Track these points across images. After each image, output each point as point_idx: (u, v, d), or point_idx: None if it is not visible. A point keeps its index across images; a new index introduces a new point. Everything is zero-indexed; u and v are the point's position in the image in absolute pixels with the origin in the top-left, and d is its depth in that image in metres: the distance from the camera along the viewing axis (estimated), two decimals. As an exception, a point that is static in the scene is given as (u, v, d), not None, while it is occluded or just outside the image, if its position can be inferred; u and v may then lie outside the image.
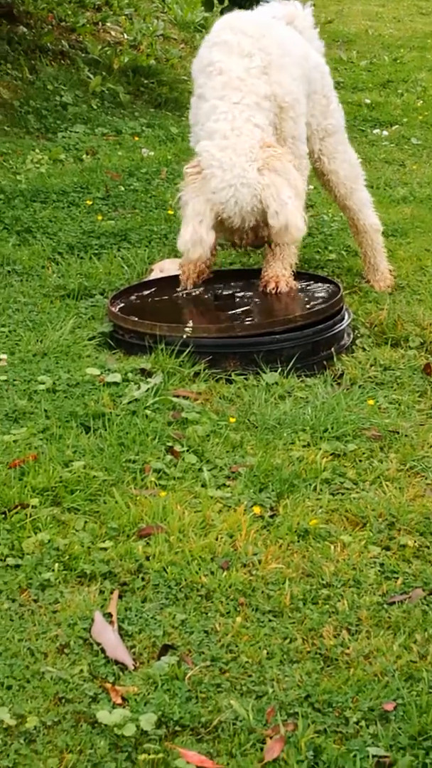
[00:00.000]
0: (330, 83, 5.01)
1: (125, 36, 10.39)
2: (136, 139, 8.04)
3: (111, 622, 2.69)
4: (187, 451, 3.53)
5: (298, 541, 3.08)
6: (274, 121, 4.37)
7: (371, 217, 5.18)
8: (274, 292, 4.60)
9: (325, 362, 4.30)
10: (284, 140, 4.46)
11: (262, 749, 2.31)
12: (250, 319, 4.40)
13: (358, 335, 4.61)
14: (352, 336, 4.56)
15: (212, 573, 2.90)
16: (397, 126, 9.28)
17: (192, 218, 4.23)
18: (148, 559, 2.95)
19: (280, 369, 4.15)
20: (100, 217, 5.94)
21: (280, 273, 4.62)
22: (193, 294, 4.65)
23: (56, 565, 2.90)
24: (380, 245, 5.21)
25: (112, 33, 10.41)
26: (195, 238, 4.24)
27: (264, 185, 4.15)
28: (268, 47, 4.36)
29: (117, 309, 4.51)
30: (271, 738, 2.34)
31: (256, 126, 4.22)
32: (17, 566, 2.91)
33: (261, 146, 4.18)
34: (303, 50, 4.75)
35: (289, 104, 4.41)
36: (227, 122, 4.20)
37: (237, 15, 4.57)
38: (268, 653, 2.62)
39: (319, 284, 4.79)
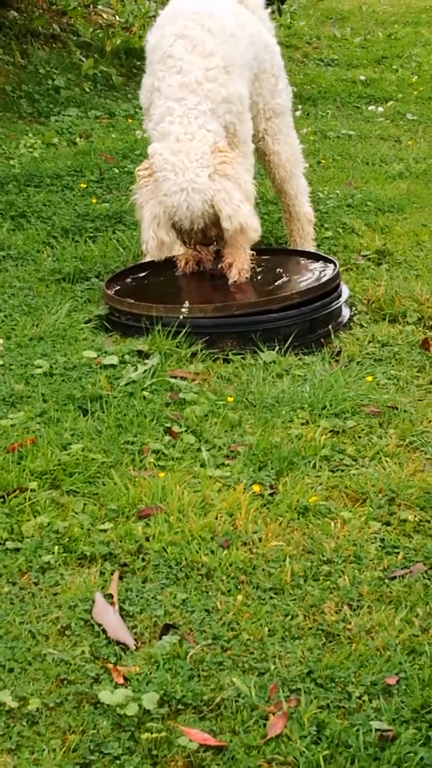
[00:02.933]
0: (280, 63, 5.01)
1: (117, 18, 10.35)
2: (130, 121, 8.01)
3: (112, 603, 2.68)
4: (186, 431, 3.52)
5: (298, 519, 3.07)
6: (229, 123, 4.39)
7: (306, 205, 5.21)
8: (236, 279, 4.54)
9: (322, 340, 4.29)
10: (238, 139, 4.48)
11: (265, 725, 2.31)
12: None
13: (356, 312, 4.60)
14: (349, 313, 4.55)
15: (212, 552, 2.89)
16: (392, 102, 9.25)
17: (150, 222, 4.26)
18: (148, 539, 2.95)
19: (277, 347, 4.14)
20: (94, 200, 5.92)
21: (241, 265, 4.57)
22: (189, 274, 4.64)
23: (56, 547, 2.90)
24: (310, 236, 5.23)
25: (104, 15, 10.37)
26: (157, 242, 4.29)
27: (215, 191, 4.17)
28: (230, 51, 4.36)
29: (113, 291, 4.50)
30: (273, 714, 2.33)
31: (209, 131, 4.23)
32: (17, 550, 2.90)
33: (212, 151, 4.20)
34: (254, 30, 4.74)
35: (243, 106, 4.45)
36: (182, 126, 4.21)
37: (207, 7, 4.42)
38: (269, 630, 2.61)
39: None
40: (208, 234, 4.35)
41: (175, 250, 4.55)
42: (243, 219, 4.20)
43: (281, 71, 5.02)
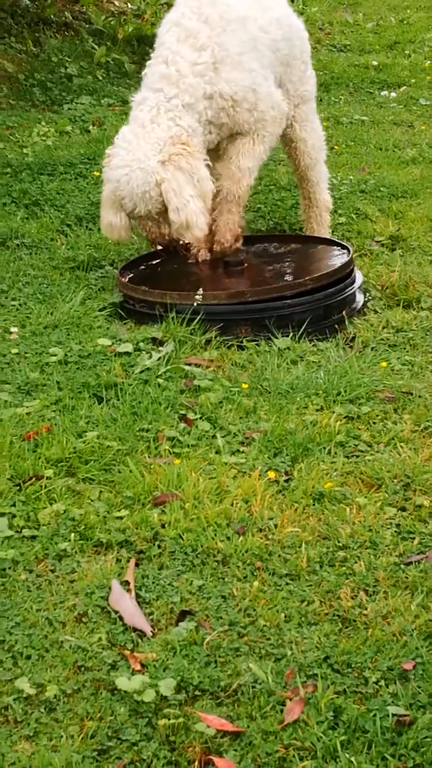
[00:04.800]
0: (308, 49, 4.99)
1: (129, 5, 10.32)
2: (143, 108, 7.98)
3: (128, 590, 2.69)
4: (201, 418, 3.53)
5: (314, 505, 3.07)
6: (215, 117, 4.34)
7: (325, 192, 5.20)
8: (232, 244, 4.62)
9: (336, 326, 4.28)
10: (242, 129, 4.46)
11: (282, 711, 2.32)
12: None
13: (370, 298, 4.59)
14: (363, 299, 4.54)
15: (228, 538, 2.90)
16: (405, 87, 9.21)
17: (103, 203, 4.32)
18: (163, 526, 2.95)
19: (291, 334, 4.14)
20: (107, 188, 5.91)
21: (231, 224, 4.61)
22: (202, 261, 4.64)
23: (72, 535, 2.91)
24: (327, 223, 5.21)
25: (116, 3, 10.34)
26: (106, 222, 4.35)
27: (164, 178, 4.13)
28: (226, 42, 4.30)
29: (127, 279, 4.50)
30: (290, 700, 2.34)
31: (178, 126, 4.21)
32: (33, 537, 2.91)
33: (174, 142, 4.16)
34: (281, 13, 4.70)
35: (243, 97, 4.37)
36: (150, 114, 4.22)
37: None
38: (285, 616, 2.62)
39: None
40: (162, 231, 4.31)
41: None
42: (190, 215, 4.17)
43: (309, 57, 4.99)
